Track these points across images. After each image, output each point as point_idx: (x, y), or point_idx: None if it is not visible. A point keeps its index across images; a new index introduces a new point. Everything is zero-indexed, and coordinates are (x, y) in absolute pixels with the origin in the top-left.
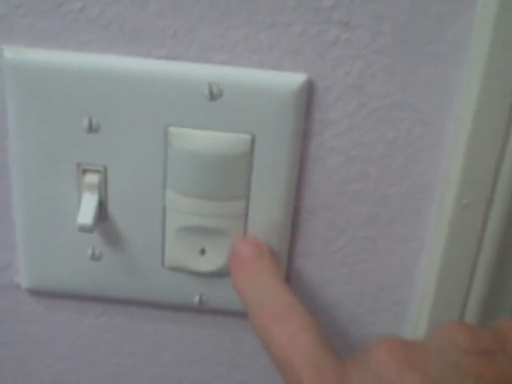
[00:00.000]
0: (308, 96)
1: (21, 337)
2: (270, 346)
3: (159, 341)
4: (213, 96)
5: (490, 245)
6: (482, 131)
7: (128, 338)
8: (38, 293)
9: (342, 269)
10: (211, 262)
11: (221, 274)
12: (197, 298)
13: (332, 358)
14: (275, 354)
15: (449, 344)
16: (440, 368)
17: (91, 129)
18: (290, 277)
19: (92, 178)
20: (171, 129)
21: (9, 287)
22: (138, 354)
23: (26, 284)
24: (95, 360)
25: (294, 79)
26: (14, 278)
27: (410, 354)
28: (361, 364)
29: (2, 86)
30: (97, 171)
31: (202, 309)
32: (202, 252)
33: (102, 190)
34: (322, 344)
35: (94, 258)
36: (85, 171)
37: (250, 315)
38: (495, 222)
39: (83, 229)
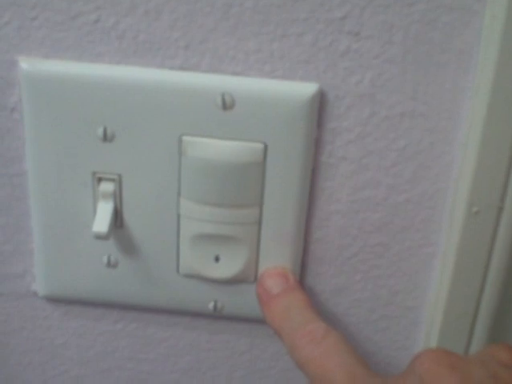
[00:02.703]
0: (320, 105)
1: (38, 343)
2: (306, 364)
3: (174, 347)
4: (226, 106)
5: (501, 250)
6: (491, 139)
7: (143, 345)
8: (54, 300)
9: (355, 275)
10: (225, 269)
11: (235, 280)
12: (211, 305)
13: (370, 370)
14: (312, 371)
15: (491, 359)
16: (479, 376)
17: (106, 138)
18: (304, 283)
19: (107, 187)
20: (185, 138)
21: (26, 295)
22: (153, 360)
23: (43, 291)
24: (111, 366)
25: (306, 89)
26: (31, 286)
27: (454, 361)
28: (407, 371)
29: (18, 96)
30: (112, 179)
31: (216, 315)
32: (217, 259)
33: (117, 198)
34: (359, 358)
35: (110, 265)
36: (100, 179)
37: (285, 341)
38: (506, 228)
39: (99, 236)
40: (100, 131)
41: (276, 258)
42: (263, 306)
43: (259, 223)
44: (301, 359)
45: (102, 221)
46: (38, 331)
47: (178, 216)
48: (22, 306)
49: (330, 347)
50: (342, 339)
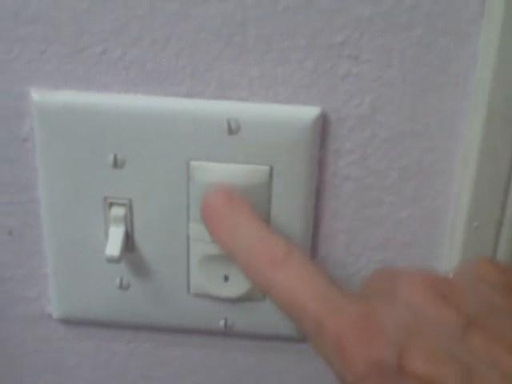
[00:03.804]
0: (322, 128)
1: (52, 364)
2: (271, 291)
3: (186, 365)
4: (231, 130)
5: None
6: (489, 156)
7: (156, 364)
8: (68, 322)
9: None
10: (234, 288)
11: (244, 298)
12: (222, 323)
13: (342, 291)
14: (280, 300)
15: (479, 280)
16: (474, 304)
17: (116, 164)
18: None
19: (118, 211)
20: (193, 162)
21: (41, 317)
22: (165, 379)
23: (58, 314)
24: None
25: (309, 112)
26: (45, 308)
27: (444, 288)
28: (387, 296)
29: (30, 126)
30: (123, 204)
31: (227, 333)
32: (226, 279)
33: (128, 222)
34: (328, 279)
35: (122, 287)
36: (111, 204)
37: (240, 263)
38: (506, 242)
39: (111, 260)
40: (110, 158)
41: None
42: (209, 224)
43: None
44: (261, 283)
45: (114, 245)
46: (52, 353)
47: (188, 238)
48: (36, 328)
49: (294, 269)
50: (306, 258)
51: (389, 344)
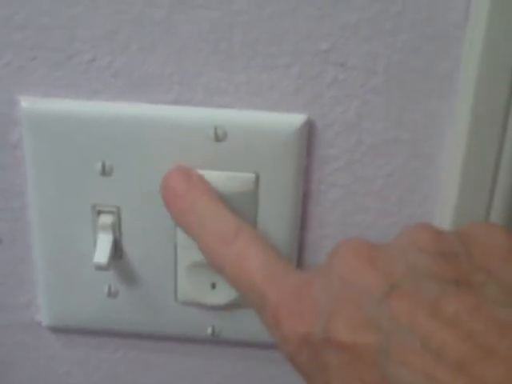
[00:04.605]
0: (308, 134)
1: (42, 372)
2: (222, 268)
3: (174, 372)
4: (218, 138)
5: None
6: (474, 161)
7: (144, 371)
8: (57, 329)
9: None
10: (222, 295)
11: (231, 306)
12: (209, 330)
13: (288, 266)
14: (231, 277)
15: (410, 245)
16: (400, 269)
17: (104, 172)
18: None
19: (106, 219)
20: None
21: (30, 325)
22: None
23: (47, 321)
24: None
25: (295, 119)
26: (35, 316)
27: (373, 255)
28: (324, 268)
29: (20, 133)
30: (111, 212)
31: (214, 340)
32: (213, 286)
33: (116, 229)
34: (275, 255)
35: (111, 294)
36: (99, 212)
37: (197, 242)
38: None
39: (99, 267)
40: (98, 165)
41: None
42: (169, 206)
43: None
44: (214, 261)
45: (102, 252)
46: (42, 360)
47: (175, 246)
48: (26, 336)
49: (243, 246)
50: (255, 236)
51: (318, 316)
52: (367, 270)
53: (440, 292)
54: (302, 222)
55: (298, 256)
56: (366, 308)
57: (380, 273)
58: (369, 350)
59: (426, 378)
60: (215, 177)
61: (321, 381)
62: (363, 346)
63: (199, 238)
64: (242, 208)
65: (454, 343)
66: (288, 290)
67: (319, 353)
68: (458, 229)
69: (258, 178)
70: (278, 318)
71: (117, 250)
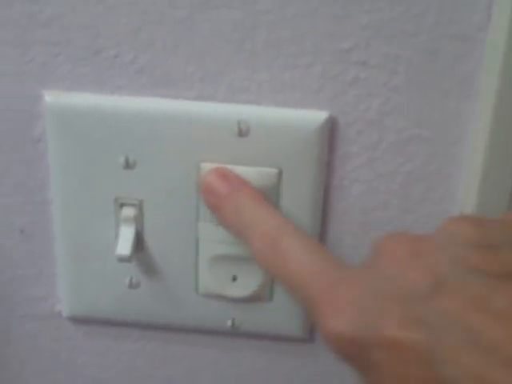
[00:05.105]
0: (330, 131)
1: (61, 363)
2: (270, 268)
3: (193, 364)
4: (241, 133)
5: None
6: (495, 161)
7: (163, 363)
8: (78, 320)
9: None
10: (242, 288)
11: (252, 299)
12: (229, 323)
13: (332, 262)
14: (276, 275)
15: (452, 238)
16: (443, 263)
17: (128, 165)
18: None
19: (129, 212)
20: (203, 164)
21: (50, 316)
22: (173, 378)
23: (68, 312)
24: None
25: (317, 116)
26: (54, 307)
27: (416, 250)
28: (368, 264)
29: (43, 128)
30: (133, 205)
31: (234, 332)
32: (234, 279)
33: (139, 222)
34: (320, 252)
35: (132, 286)
36: (122, 205)
37: (245, 243)
38: None
39: (122, 259)
40: (122, 159)
41: None
42: (215, 211)
43: None
44: (262, 264)
45: (124, 244)
46: (62, 351)
47: (197, 238)
48: (46, 327)
49: (287, 245)
50: (299, 233)
51: (363, 313)
52: (412, 265)
53: (486, 286)
54: (323, 218)
55: None
56: (413, 305)
57: (425, 268)
58: (418, 347)
59: (476, 375)
60: (237, 171)
61: (370, 377)
62: (413, 343)
63: (246, 239)
64: None
65: (506, 339)
66: (331, 287)
67: (367, 350)
68: (502, 216)
69: (280, 174)
70: (321, 315)
71: (138, 242)
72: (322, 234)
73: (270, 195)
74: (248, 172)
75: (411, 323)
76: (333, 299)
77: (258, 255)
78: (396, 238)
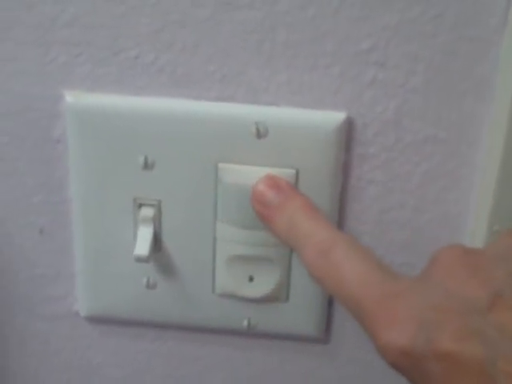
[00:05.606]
0: (348, 132)
1: (77, 362)
2: (321, 279)
3: (210, 364)
4: (259, 134)
5: None
6: (509, 161)
7: (180, 362)
8: (95, 320)
9: None
10: (259, 288)
11: (268, 299)
12: (245, 323)
13: (386, 274)
14: (329, 288)
15: (508, 251)
16: (500, 277)
17: (147, 166)
18: (332, 301)
19: (147, 212)
20: (221, 165)
21: (68, 315)
22: (189, 377)
23: (85, 312)
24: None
25: (335, 117)
26: (72, 307)
27: (473, 263)
28: (423, 276)
29: (63, 128)
30: (152, 205)
31: (250, 332)
32: (251, 279)
33: (157, 222)
34: (373, 263)
35: (149, 286)
36: (140, 205)
37: (298, 254)
38: None
39: (140, 259)
40: (141, 160)
41: (307, 278)
42: (267, 222)
43: None
44: (314, 274)
45: (142, 244)
46: (78, 350)
47: (214, 239)
48: (63, 326)
49: (340, 257)
50: (350, 245)
51: (418, 326)
52: (469, 278)
53: None
54: (339, 218)
55: None
56: (470, 318)
57: (482, 281)
58: (475, 361)
59: None
60: (256, 172)
61: None
62: (469, 357)
63: (299, 250)
64: None
65: None
66: (387, 298)
67: (422, 363)
68: None
69: (297, 174)
70: (377, 326)
71: (156, 242)
72: None
73: None
74: (265, 173)
75: (468, 336)
76: (389, 311)
77: (311, 266)
78: (453, 250)
